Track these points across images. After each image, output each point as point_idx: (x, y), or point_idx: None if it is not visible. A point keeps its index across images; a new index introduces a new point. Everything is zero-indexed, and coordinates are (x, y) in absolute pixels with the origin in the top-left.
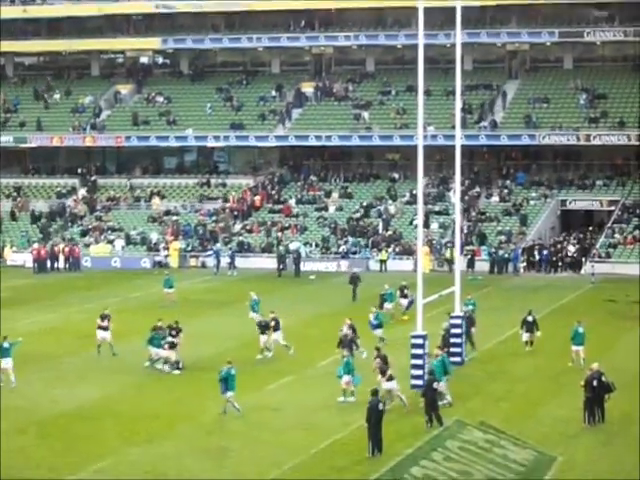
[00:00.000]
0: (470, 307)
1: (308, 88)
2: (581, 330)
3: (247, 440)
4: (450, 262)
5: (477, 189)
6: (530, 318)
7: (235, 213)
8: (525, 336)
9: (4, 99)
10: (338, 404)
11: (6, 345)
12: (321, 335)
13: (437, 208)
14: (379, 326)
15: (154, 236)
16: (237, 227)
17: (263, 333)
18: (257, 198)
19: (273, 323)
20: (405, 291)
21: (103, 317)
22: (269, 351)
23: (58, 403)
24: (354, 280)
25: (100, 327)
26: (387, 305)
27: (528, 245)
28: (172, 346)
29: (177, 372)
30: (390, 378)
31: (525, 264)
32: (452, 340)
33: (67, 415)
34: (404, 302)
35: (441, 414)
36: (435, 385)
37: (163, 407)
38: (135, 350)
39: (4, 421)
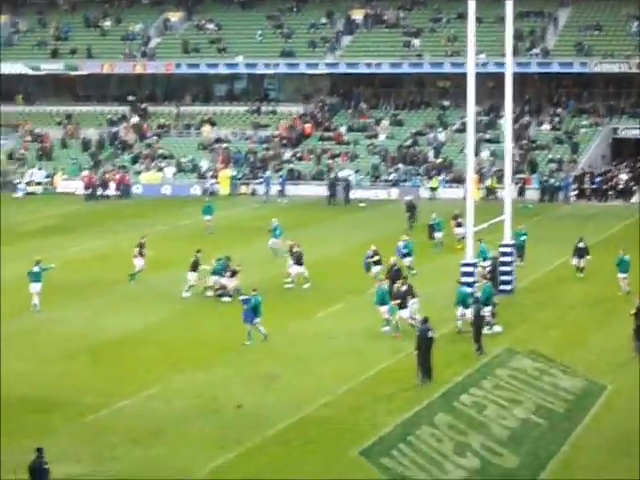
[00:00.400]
0: (522, 237)
1: (358, 15)
2: (626, 258)
3: (296, 367)
4: (491, 191)
5: (528, 117)
6: (581, 245)
7: (284, 141)
8: (576, 262)
9: (55, 26)
10: (384, 333)
11: (36, 269)
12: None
13: (488, 136)
14: (408, 254)
15: (204, 164)
16: (287, 155)
17: (298, 264)
18: (307, 126)
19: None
20: (459, 220)
21: (141, 245)
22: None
23: (107, 330)
24: (410, 208)
25: (137, 255)
26: (437, 234)
27: (579, 173)
28: (233, 274)
29: (227, 299)
30: (403, 306)
31: (576, 192)
32: (502, 269)
33: (116, 342)
34: (459, 231)
35: (483, 343)
36: (481, 312)
37: (212, 334)
38: (184, 278)
39: (54, 348)
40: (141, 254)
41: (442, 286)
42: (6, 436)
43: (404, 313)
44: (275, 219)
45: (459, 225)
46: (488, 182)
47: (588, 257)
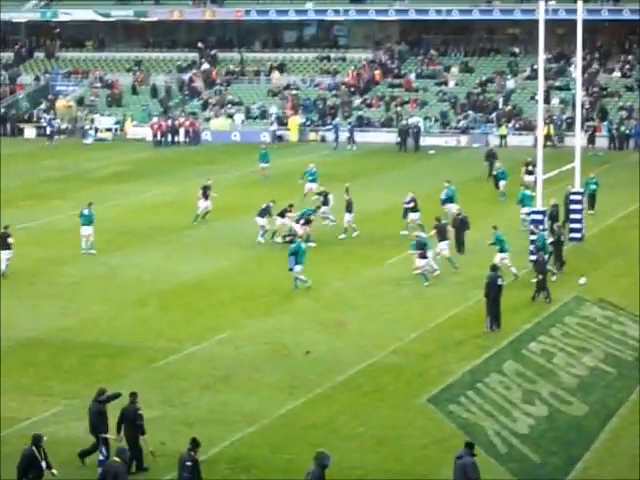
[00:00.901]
0: (592, 186)
1: None
2: None
3: (366, 313)
4: (548, 138)
5: (598, 64)
6: None
7: (352, 89)
8: None
9: None
10: (455, 279)
11: (86, 212)
12: (440, 210)
13: (558, 83)
14: (449, 200)
15: (273, 110)
16: (357, 102)
17: (349, 211)
18: (376, 72)
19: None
20: (530, 167)
21: (205, 187)
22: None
23: (178, 275)
24: (490, 156)
25: (201, 197)
26: (501, 183)
27: None
28: (307, 222)
29: (313, 245)
30: (423, 256)
31: None
32: (572, 216)
33: (187, 287)
34: (529, 179)
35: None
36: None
37: (281, 280)
38: (253, 223)
39: (125, 293)
40: (205, 196)
41: (507, 235)
42: (77, 382)
43: (420, 262)
44: (312, 164)
45: (530, 173)
46: (545, 130)
47: None
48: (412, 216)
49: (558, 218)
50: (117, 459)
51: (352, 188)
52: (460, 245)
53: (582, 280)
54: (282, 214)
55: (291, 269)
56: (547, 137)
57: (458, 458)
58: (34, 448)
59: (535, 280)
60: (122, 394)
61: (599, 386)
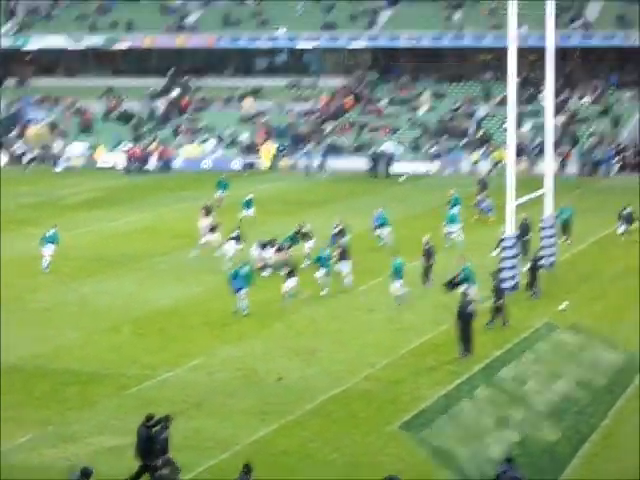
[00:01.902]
0: (565, 215)
1: None
2: None
3: (337, 340)
4: (496, 164)
5: (569, 91)
6: (627, 211)
7: (322, 117)
8: (622, 228)
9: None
10: (427, 305)
11: (50, 232)
12: (412, 236)
13: (529, 109)
14: (380, 226)
15: (244, 137)
16: (328, 128)
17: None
18: (348, 99)
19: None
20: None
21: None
22: None
23: (151, 302)
24: (482, 184)
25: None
26: (456, 208)
27: (620, 147)
28: (279, 249)
29: (266, 274)
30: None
31: (617, 166)
32: (543, 243)
33: (160, 314)
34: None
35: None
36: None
37: (254, 307)
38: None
39: (98, 320)
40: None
41: (481, 260)
42: (49, 409)
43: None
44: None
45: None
46: (496, 154)
47: (636, 224)
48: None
49: (528, 232)
50: (165, 470)
51: (321, 213)
52: (427, 274)
53: (562, 305)
54: (264, 245)
55: (237, 291)
56: (496, 163)
57: (503, 473)
58: None
59: (493, 304)
60: (171, 417)
61: (571, 412)
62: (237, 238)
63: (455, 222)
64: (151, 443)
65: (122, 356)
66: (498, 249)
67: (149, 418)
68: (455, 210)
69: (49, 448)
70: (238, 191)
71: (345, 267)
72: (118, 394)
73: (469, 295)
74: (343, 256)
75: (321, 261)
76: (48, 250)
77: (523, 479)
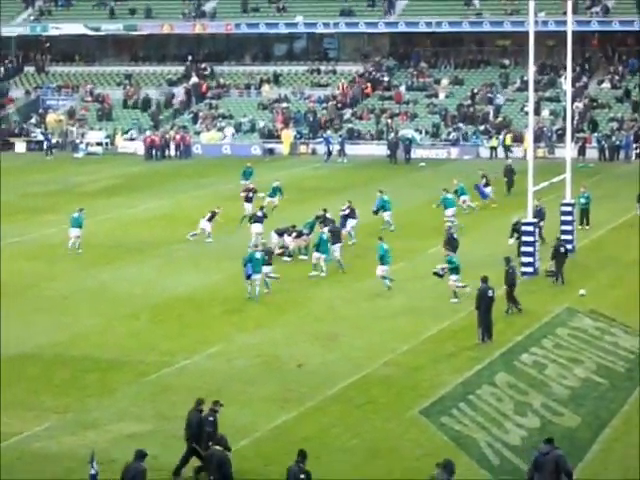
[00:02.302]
0: (583, 200)
1: None
2: None
3: (357, 326)
4: (507, 149)
5: (588, 76)
6: None
7: (339, 105)
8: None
9: None
10: (447, 291)
11: (75, 215)
12: (431, 222)
13: (548, 95)
14: (382, 209)
15: (263, 123)
16: (347, 114)
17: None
18: (367, 85)
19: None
20: (485, 180)
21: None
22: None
23: (169, 289)
24: (508, 172)
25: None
26: (462, 197)
27: None
28: (298, 235)
29: (287, 259)
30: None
31: (637, 151)
32: (563, 227)
33: (178, 301)
34: (489, 190)
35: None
36: None
37: (273, 294)
38: (245, 236)
39: (117, 307)
40: (248, 200)
41: (494, 244)
42: (69, 396)
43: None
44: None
45: (487, 185)
46: (507, 139)
47: None
48: (350, 223)
49: (544, 217)
50: (218, 447)
51: (341, 200)
52: None
53: (582, 291)
54: (281, 233)
55: (248, 277)
56: (507, 147)
57: (543, 455)
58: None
59: (507, 291)
60: (220, 402)
61: (591, 397)
62: (260, 220)
63: (450, 206)
64: (202, 427)
65: (141, 343)
66: (512, 237)
67: (200, 402)
68: (449, 195)
69: (68, 435)
70: (259, 177)
71: (335, 251)
72: (137, 381)
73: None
74: (335, 240)
75: (321, 245)
76: (74, 232)
77: (565, 458)
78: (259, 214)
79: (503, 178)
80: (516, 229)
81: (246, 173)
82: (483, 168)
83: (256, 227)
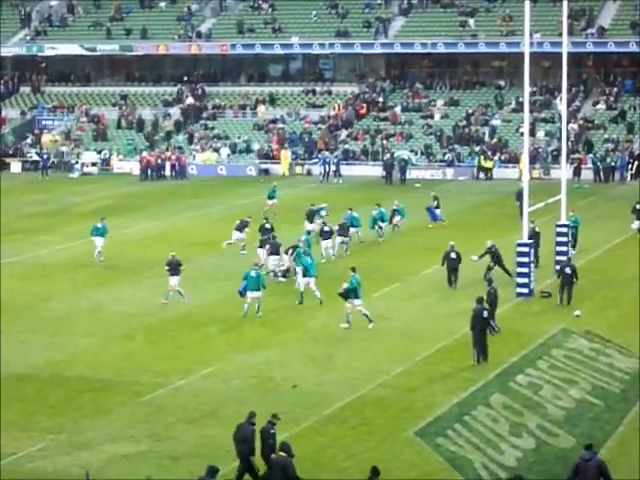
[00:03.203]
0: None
1: None
2: None
3: (352, 347)
4: (484, 170)
5: (583, 97)
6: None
7: (332, 128)
8: (636, 224)
9: (117, 6)
10: (442, 312)
11: (99, 225)
12: (426, 243)
13: (543, 116)
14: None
15: (256, 146)
16: (343, 135)
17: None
18: (362, 106)
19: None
20: (435, 202)
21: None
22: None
23: (164, 309)
24: (520, 196)
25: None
26: (396, 218)
27: (635, 153)
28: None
29: (283, 280)
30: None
31: (632, 172)
32: (558, 248)
33: (173, 321)
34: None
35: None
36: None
37: (268, 314)
38: (240, 257)
39: (112, 327)
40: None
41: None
42: (63, 416)
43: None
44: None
45: (437, 207)
46: (483, 161)
47: None
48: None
49: (537, 239)
50: (282, 454)
51: (337, 220)
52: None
53: (577, 312)
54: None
55: (240, 293)
56: (483, 169)
57: (585, 461)
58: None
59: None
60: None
61: (586, 418)
62: (329, 236)
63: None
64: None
65: (135, 363)
66: (476, 256)
67: (252, 415)
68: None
69: (63, 456)
70: (255, 197)
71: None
72: (132, 401)
73: (358, 309)
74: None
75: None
76: (98, 242)
77: (606, 466)
78: (326, 229)
79: (515, 202)
80: (491, 252)
81: (272, 192)
82: (470, 189)
83: (325, 243)
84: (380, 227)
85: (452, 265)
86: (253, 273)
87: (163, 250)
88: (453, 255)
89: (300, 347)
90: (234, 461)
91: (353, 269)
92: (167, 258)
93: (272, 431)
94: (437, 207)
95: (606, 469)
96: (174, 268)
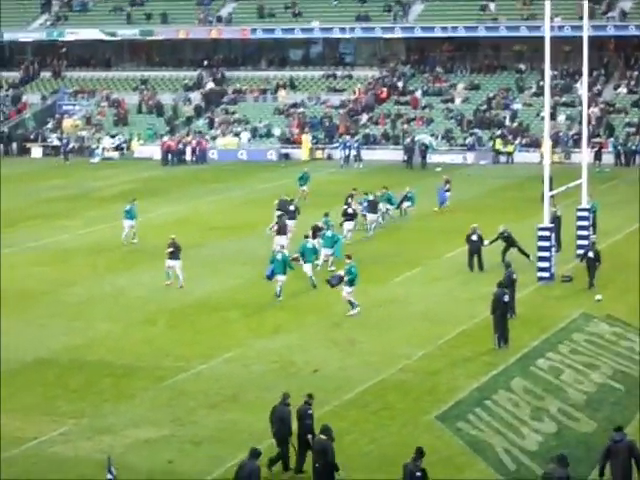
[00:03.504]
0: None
1: None
2: None
3: (374, 331)
4: (498, 153)
5: (604, 81)
6: None
7: (352, 112)
8: None
9: None
10: (463, 296)
11: (127, 207)
12: (447, 227)
13: (564, 100)
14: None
15: (276, 131)
16: (363, 119)
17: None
18: (383, 90)
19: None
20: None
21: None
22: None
23: (185, 294)
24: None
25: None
26: (405, 204)
27: None
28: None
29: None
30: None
31: None
32: (579, 232)
33: (194, 306)
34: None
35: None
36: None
37: (289, 299)
38: (261, 241)
39: (134, 312)
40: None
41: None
42: (84, 401)
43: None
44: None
45: (448, 190)
46: (497, 144)
47: None
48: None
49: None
50: (323, 436)
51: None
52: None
53: (598, 296)
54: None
55: (268, 277)
56: (498, 152)
57: (616, 442)
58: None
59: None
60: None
61: (607, 403)
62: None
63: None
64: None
65: (157, 348)
66: (487, 241)
67: (287, 396)
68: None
69: (84, 440)
70: (275, 182)
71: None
72: (153, 386)
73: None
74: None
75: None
76: (127, 224)
77: (637, 445)
78: (350, 211)
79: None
80: (503, 237)
81: (302, 178)
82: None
83: (348, 225)
84: (387, 209)
85: (474, 247)
86: (279, 256)
87: (184, 235)
88: (474, 237)
89: (321, 331)
90: (257, 445)
91: (349, 256)
92: (167, 241)
93: (309, 411)
94: (447, 191)
95: (637, 449)
96: (175, 251)
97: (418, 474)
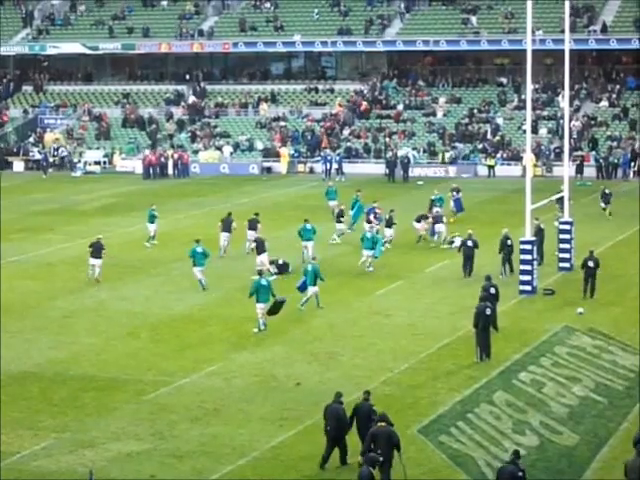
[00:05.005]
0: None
1: None
2: None
3: (356, 344)
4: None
5: (586, 94)
6: (607, 191)
7: (338, 123)
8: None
9: (113, 5)
10: (445, 310)
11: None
12: (429, 241)
13: (546, 113)
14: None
15: (259, 145)
16: (345, 133)
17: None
18: (364, 104)
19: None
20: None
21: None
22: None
23: (168, 308)
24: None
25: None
26: (436, 209)
27: (638, 150)
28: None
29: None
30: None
31: (635, 169)
32: (561, 246)
33: (177, 320)
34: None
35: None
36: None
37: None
38: (243, 255)
39: (115, 326)
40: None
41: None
42: (67, 415)
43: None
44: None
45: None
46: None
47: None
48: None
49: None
50: (383, 423)
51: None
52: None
53: (580, 309)
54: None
55: (299, 289)
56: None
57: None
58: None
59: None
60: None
61: (590, 416)
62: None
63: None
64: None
65: (139, 362)
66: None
67: (340, 394)
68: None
69: (67, 454)
70: (257, 195)
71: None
72: (135, 400)
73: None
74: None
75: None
76: (151, 227)
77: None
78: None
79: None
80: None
81: (329, 193)
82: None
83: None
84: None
85: (468, 253)
86: (309, 267)
87: (166, 249)
88: (470, 243)
89: (304, 345)
90: (239, 459)
91: (314, 258)
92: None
93: (374, 407)
94: (458, 199)
95: None
96: (97, 250)
97: (520, 474)
